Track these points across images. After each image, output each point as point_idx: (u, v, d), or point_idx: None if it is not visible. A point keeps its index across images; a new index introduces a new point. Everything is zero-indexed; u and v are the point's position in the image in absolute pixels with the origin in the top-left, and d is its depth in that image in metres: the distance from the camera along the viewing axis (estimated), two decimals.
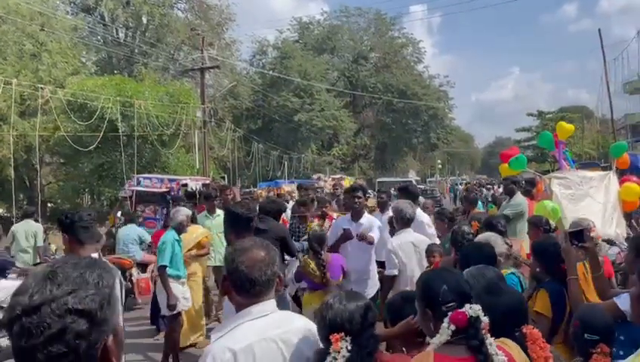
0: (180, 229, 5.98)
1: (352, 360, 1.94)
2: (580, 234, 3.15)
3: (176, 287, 5.83)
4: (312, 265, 4.97)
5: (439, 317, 1.84)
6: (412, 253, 4.89)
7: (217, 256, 7.42)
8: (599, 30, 24.72)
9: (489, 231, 3.98)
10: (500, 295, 2.33)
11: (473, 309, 1.80)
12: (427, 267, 4.74)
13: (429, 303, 1.91)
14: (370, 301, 2.43)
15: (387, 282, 4.91)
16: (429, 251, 4.86)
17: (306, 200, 8.14)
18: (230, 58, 34.16)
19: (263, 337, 1.88)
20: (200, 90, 23.22)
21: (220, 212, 7.44)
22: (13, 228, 9.42)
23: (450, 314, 1.80)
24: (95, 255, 3.32)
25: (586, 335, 2.50)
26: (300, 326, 2.02)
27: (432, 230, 5.79)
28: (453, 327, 1.76)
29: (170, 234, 5.92)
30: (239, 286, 1.92)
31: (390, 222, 5.77)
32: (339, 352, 1.95)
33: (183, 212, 6.12)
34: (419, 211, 5.89)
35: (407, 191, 6.63)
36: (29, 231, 9.03)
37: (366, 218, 5.63)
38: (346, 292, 2.29)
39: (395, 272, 4.82)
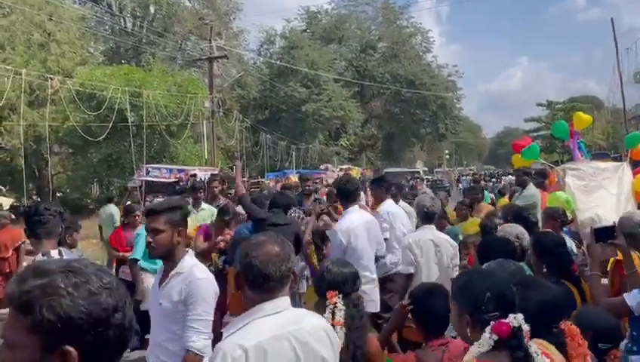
0: None
1: (349, 314, 2.64)
2: (608, 231, 3.07)
3: (150, 281, 5.40)
4: (315, 259, 4.94)
5: (479, 324, 1.77)
6: (431, 251, 4.47)
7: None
8: (612, 19, 24.40)
9: (516, 223, 3.87)
10: (538, 289, 2.25)
11: (517, 319, 1.71)
12: (461, 260, 4.57)
13: (469, 308, 1.83)
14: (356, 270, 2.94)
15: (403, 280, 4.53)
16: (464, 243, 4.66)
17: (290, 186, 7.88)
18: (238, 48, 34.09)
19: (276, 334, 1.83)
20: (208, 80, 23.19)
21: (205, 206, 6.98)
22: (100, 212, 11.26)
23: (492, 323, 1.71)
24: (55, 252, 3.12)
25: (599, 345, 2.47)
26: (315, 324, 1.97)
27: (387, 234, 5.35)
28: (495, 337, 1.68)
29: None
30: (252, 282, 1.88)
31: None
32: (335, 306, 2.64)
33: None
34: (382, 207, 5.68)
35: (382, 181, 6.34)
36: (110, 215, 10.69)
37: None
38: (341, 260, 3.04)
39: (412, 270, 4.43)
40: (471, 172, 48.32)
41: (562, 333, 2.07)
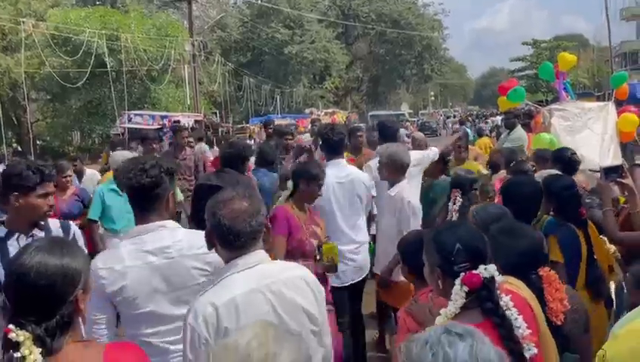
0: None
1: (463, 207, 3.57)
2: (616, 170, 3.15)
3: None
4: None
5: (450, 277, 1.76)
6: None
7: None
8: None
9: (554, 168, 3.80)
10: (517, 235, 2.24)
11: (488, 270, 1.69)
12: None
13: (439, 261, 1.82)
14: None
15: None
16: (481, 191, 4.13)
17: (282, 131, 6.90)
18: None
19: (250, 289, 1.81)
20: (188, 22, 22.46)
21: None
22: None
23: (462, 274, 1.70)
24: None
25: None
26: (291, 275, 1.93)
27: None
28: (466, 289, 1.67)
29: (104, 185, 5.14)
30: (223, 240, 1.85)
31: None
32: (454, 202, 3.71)
33: (119, 156, 5.02)
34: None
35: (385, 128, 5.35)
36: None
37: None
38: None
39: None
40: (456, 113, 48.33)
41: (540, 279, 2.09)
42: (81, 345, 1.46)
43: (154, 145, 6.43)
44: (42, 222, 2.68)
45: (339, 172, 4.06)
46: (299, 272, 1.99)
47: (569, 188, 3.14)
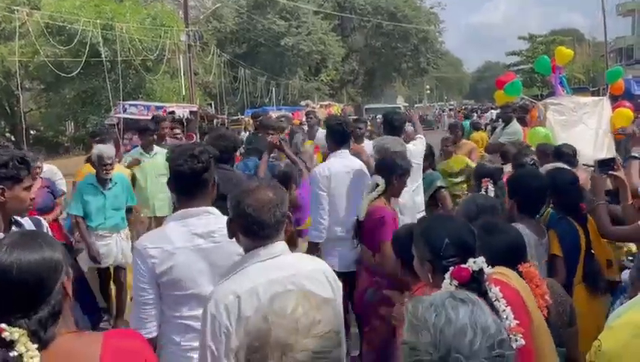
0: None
1: (496, 196, 3.42)
2: (609, 163, 3.15)
3: (90, 241, 4.86)
4: None
5: (439, 271, 1.78)
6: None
7: (157, 203, 5.88)
8: None
9: (558, 161, 3.79)
10: (497, 233, 2.23)
11: (477, 263, 1.71)
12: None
13: (429, 256, 1.84)
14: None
15: None
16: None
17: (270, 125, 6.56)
18: None
19: (271, 279, 1.79)
20: (183, 12, 22.30)
21: (158, 149, 6.03)
22: None
23: (452, 269, 1.71)
24: None
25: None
26: (312, 268, 1.93)
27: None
28: (455, 283, 1.69)
29: (84, 180, 5.03)
30: (247, 229, 1.85)
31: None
32: (487, 190, 3.56)
33: (97, 151, 4.91)
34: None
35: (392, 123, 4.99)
36: None
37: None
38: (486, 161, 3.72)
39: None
40: (452, 107, 48.34)
41: (521, 275, 2.10)
42: (76, 335, 1.44)
43: (153, 137, 6.22)
44: (16, 218, 2.52)
45: (345, 162, 4.13)
46: (319, 266, 1.99)
47: (570, 183, 3.12)
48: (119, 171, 5.24)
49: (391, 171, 3.54)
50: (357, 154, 5.59)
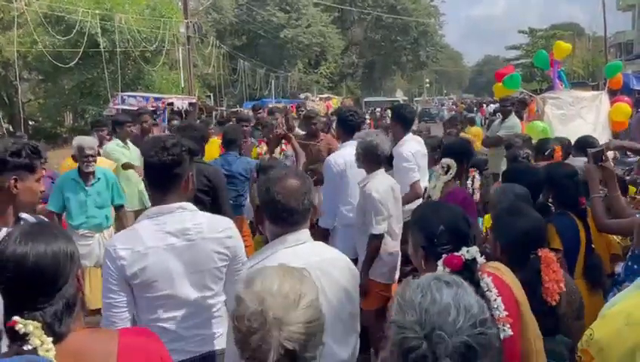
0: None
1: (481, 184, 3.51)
2: (599, 154, 3.13)
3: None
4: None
5: (433, 257, 1.78)
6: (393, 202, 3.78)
7: (140, 196, 5.58)
8: None
9: (579, 155, 3.73)
10: (520, 216, 2.26)
11: (470, 252, 1.71)
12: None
13: (423, 242, 1.85)
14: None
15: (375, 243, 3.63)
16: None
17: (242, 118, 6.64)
18: None
19: (299, 264, 1.74)
20: (182, 4, 22.19)
21: (130, 145, 5.81)
22: None
23: (444, 256, 1.71)
24: None
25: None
26: (336, 256, 1.99)
27: (416, 175, 4.45)
28: (448, 270, 1.68)
29: (65, 174, 4.65)
30: (275, 216, 1.88)
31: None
32: (473, 179, 3.85)
33: (77, 141, 4.56)
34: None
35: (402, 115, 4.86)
36: None
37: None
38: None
39: (384, 229, 3.59)
40: (450, 101, 48.26)
41: (539, 260, 2.12)
42: (90, 331, 1.41)
43: (130, 129, 5.98)
44: (22, 215, 2.34)
45: (353, 151, 4.13)
46: (339, 254, 2.02)
47: (570, 177, 3.10)
48: (102, 166, 4.82)
49: (463, 154, 3.67)
50: (328, 144, 5.68)
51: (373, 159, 3.67)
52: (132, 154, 5.66)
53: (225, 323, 2.11)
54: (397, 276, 3.83)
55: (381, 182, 3.64)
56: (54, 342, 1.24)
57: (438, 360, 1.07)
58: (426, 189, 4.13)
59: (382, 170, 3.73)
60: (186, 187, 2.16)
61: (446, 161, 3.60)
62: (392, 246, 3.72)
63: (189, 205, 2.16)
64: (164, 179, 2.13)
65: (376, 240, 3.54)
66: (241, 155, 5.05)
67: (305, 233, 1.92)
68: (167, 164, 2.08)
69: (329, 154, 5.42)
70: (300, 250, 1.87)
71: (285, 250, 1.86)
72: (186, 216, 2.11)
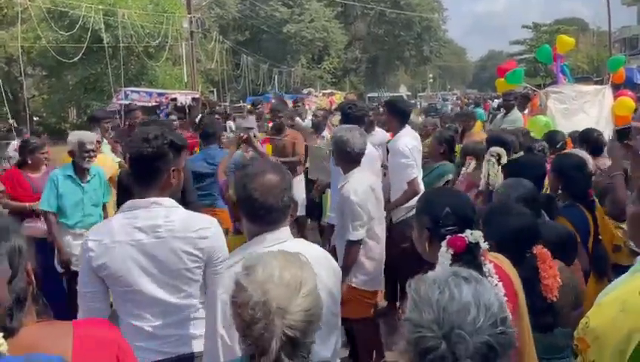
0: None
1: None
2: (625, 132, 3.11)
3: (66, 241, 4.27)
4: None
5: (436, 239, 1.79)
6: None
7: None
8: None
9: (580, 149, 3.76)
10: (511, 215, 2.27)
11: (474, 235, 1.71)
12: None
13: (428, 223, 1.86)
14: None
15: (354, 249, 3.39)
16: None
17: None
18: None
19: None
20: None
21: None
22: None
23: (448, 237, 1.72)
24: None
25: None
26: (318, 254, 1.89)
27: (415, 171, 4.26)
28: (451, 251, 1.69)
29: (59, 170, 4.39)
30: (252, 214, 1.77)
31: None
32: (469, 166, 4.01)
33: (77, 136, 4.34)
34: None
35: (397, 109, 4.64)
36: None
37: None
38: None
39: (362, 235, 3.35)
40: (454, 96, 48.10)
41: (534, 257, 2.14)
42: (43, 325, 1.36)
43: (109, 127, 5.88)
44: None
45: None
46: (322, 252, 1.96)
47: (578, 168, 3.08)
48: (96, 164, 4.58)
49: (509, 145, 3.78)
50: (294, 139, 5.60)
51: (344, 156, 3.45)
52: (105, 148, 5.43)
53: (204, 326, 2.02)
54: (382, 282, 3.73)
55: (360, 183, 3.38)
56: (5, 337, 1.20)
57: (458, 361, 1.03)
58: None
59: (359, 168, 3.48)
60: (168, 182, 2.06)
61: (495, 149, 3.57)
62: (376, 251, 3.51)
63: (167, 201, 2.07)
64: (144, 171, 2.05)
65: (353, 246, 3.33)
66: (220, 148, 4.97)
67: (285, 231, 1.81)
68: (145, 156, 2.01)
69: (293, 150, 5.47)
70: (280, 249, 1.83)
71: (265, 249, 1.79)
72: (159, 212, 2.03)
